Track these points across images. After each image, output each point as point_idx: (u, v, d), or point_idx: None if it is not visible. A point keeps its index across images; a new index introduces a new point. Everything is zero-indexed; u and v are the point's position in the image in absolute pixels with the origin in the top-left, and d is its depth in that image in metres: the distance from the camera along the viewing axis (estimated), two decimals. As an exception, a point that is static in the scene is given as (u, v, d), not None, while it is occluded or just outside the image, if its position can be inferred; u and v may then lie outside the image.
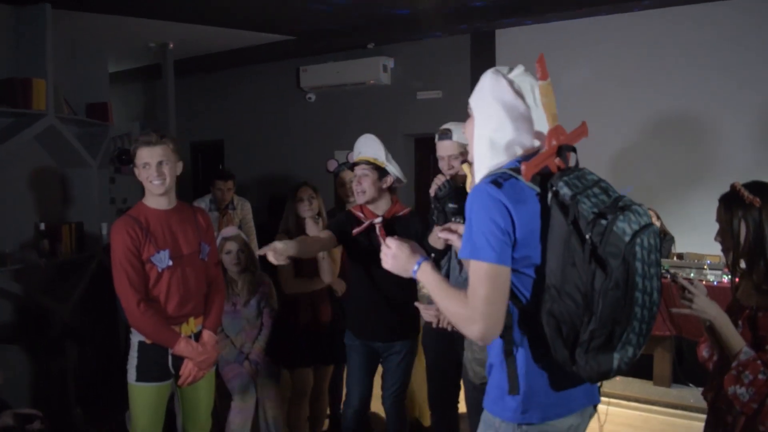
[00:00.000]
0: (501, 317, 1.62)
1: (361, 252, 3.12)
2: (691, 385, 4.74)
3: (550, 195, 1.63)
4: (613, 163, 5.51)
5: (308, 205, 3.59)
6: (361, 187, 3.07)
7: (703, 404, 4.36)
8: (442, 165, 2.99)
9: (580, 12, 5.63)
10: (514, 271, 1.65)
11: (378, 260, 2.91)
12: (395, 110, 7.05)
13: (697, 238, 5.15)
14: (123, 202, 5.89)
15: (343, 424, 3.31)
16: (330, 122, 7.61)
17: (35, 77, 4.19)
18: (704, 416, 4.26)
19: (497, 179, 1.67)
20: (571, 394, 1.74)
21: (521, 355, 1.70)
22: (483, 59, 6.22)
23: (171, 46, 6.99)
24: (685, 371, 4.80)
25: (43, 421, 2.70)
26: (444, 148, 2.99)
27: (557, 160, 1.67)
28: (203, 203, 5.16)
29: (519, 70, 1.79)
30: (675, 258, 4.97)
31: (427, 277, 1.75)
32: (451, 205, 2.72)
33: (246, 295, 3.68)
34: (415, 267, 1.78)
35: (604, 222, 1.53)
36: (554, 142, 1.68)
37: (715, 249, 4.92)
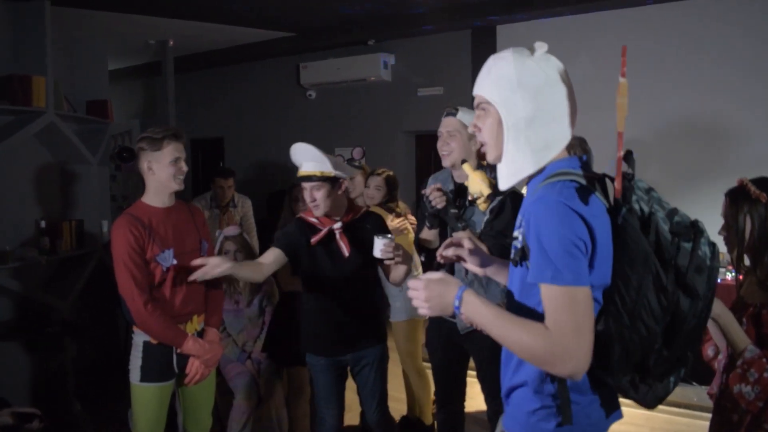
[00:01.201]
0: (591, 347, 1.42)
1: (319, 262, 2.90)
2: (694, 383, 4.72)
3: (624, 211, 1.46)
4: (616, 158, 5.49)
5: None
6: (315, 202, 2.82)
7: (707, 403, 4.38)
8: (440, 143, 2.81)
9: (581, 6, 5.61)
10: None
11: (336, 269, 2.85)
12: (396, 107, 7.03)
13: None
14: (123, 200, 5.88)
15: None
16: (330, 119, 7.59)
17: (35, 74, 4.18)
18: (708, 415, 4.24)
19: (573, 191, 1.47)
20: (612, 418, 1.64)
21: (574, 383, 1.52)
22: (484, 55, 6.05)
23: (171, 43, 7.00)
24: (688, 370, 4.79)
25: (42, 420, 2.68)
26: (444, 124, 2.81)
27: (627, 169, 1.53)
28: (203, 201, 5.15)
29: (543, 48, 1.59)
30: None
31: (475, 309, 1.51)
32: (452, 211, 2.63)
33: (249, 294, 3.68)
34: (456, 303, 1.52)
35: (687, 245, 1.43)
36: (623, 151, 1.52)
37: (723, 246, 4.95)
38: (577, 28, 5.77)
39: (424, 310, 1.56)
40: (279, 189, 7.66)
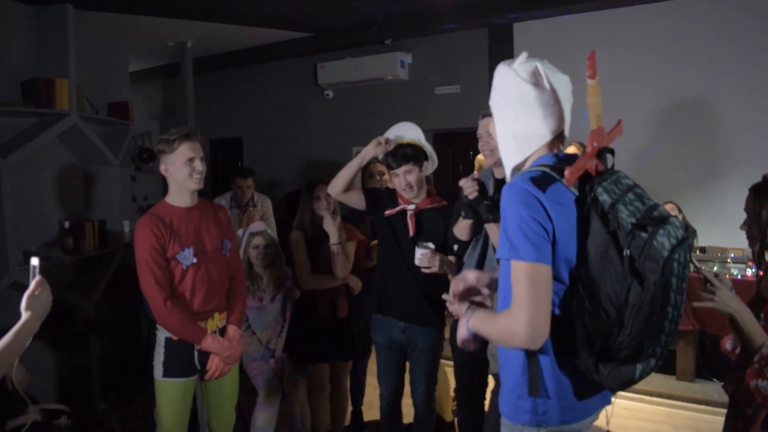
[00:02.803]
0: (547, 318, 1.55)
1: (392, 232, 3.17)
2: (714, 380, 4.71)
3: (588, 201, 1.58)
4: (634, 156, 5.46)
5: (325, 203, 3.60)
6: (408, 184, 3.08)
7: (726, 399, 4.35)
8: (480, 144, 2.92)
9: (597, 4, 5.60)
10: None
11: (402, 245, 3.07)
12: (413, 105, 7.04)
13: (719, 230, 5.10)
14: (144, 200, 5.95)
15: (380, 413, 3.36)
16: (348, 118, 7.62)
17: (58, 77, 4.24)
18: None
19: (535, 176, 1.62)
20: (591, 399, 1.72)
21: (545, 358, 1.65)
22: (501, 53, 6.20)
23: (189, 44, 7.05)
24: (708, 366, 4.77)
25: (70, 416, 2.73)
26: (482, 126, 2.90)
27: (596, 164, 1.61)
28: (223, 201, 5.19)
29: (523, 56, 1.74)
30: (698, 251, 4.93)
31: (475, 320, 1.77)
32: (485, 203, 2.69)
33: (272, 291, 3.70)
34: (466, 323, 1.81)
35: (644, 235, 1.49)
36: (595, 144, 1.62)
37: (738, 242, 4.93)
38: (594, 25, 5.75)
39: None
40: (297, 189, 7.71)
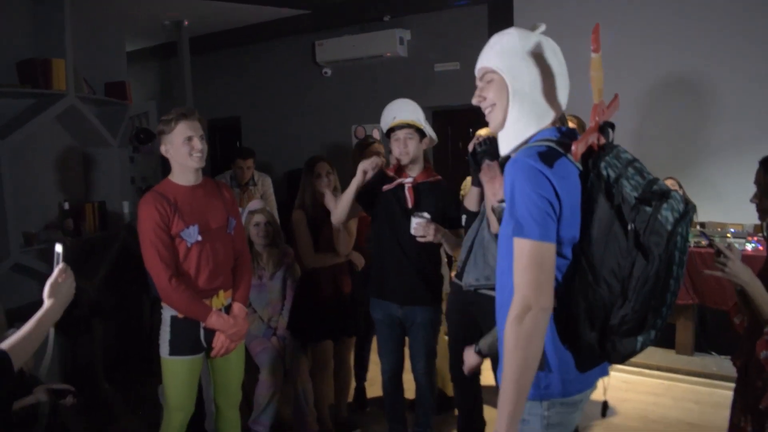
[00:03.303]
0: (551, 296, 1.56)
1: (386, 210, 3.17)
2: (713, 353, 4.74)
3: (592, 176, 1.58)
4: (635, 131, 5.44)
5: (326, 181, 3.60)
6: (407, 149, 3.11)
7: (726, 372, 4.41)
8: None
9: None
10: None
11: (401, 220, 3.07)
12: (413, 83, 6.99)
13: (719, 206, 5.10)
14: (142, 181, 5.94)
15: (382, 387, 3.41)
16: (347, 96, 7.57)
17: (55, 57, 4.21)
18: (726, 384, 4.30)
19: (541, 152, 1.60)
20: (592, 371, 1.74)
21: (546, 333, 1.63)
22: (501, 29, 6.13)
23: (186, 23, 6.98)
24: (707, 340, 4.80)
25: (76, 396, 2.74)
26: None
27: (598, 137, 1.62)
28: (224, 180, 5.18)
29: (541, 28, 1.72)
30: (698, 226, 4.93)
31: (503, 413, 1.58)
32: (488, 162, 2.70)
33: (272, 269, 3.71)
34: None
35: (648, 209, 1.50)
36: (597, 118, 1.62)
37: (737, 217, 4.94)
38: (594, 2, 5.69)
39: None
40: (297, 168, 7.68)
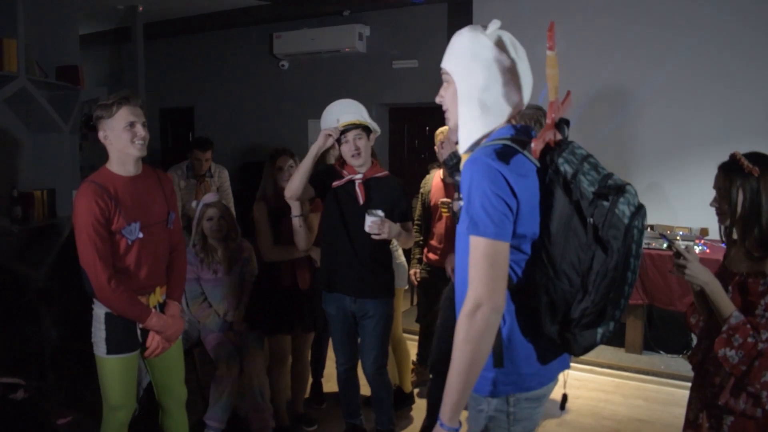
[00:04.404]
0: (503, 295, 1.57)
1: (337, 206, 3.19)
2: (661, 351, 4.89)
3: (550, 172, 1.61)
4: (585, 136, 5.57)
5: (287, 175, 3.56)
6: (358, 150, 3.12)
7: (673, 370, 4.55)
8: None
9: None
10: (511, 247, 1.61)
11: (352, 216, 3.09)
12: (371, 79, 7.00)
13: (666, 209, 5.28)
14: (91, 169, 5.75)
15: (337, 380, 3.41)
16: (304, 90, 7.53)
17: (5, 37, 4.04)
18: (674, 381, 4.44)
19: (498, 150, 1.61)
20: (551, 364, 1.76)
21: (506, 329, 1.68)
22: (460, 28, 6.17)
23: (140, 8, 6.82)
24: (655, 339, 4.95)
25: (27, 390, 2.66)
26: None
27: (555, 134, 1.65)
28: (179, 170, 5.08)
29: (495, 25, 1.70)
30: (648, 229, 5.07)
31: (448, 393, 1.61)
32: (458, 179, 2.72)
33: (227, 263, 3.66)
34: (443, 427, 1.61)
35: (605, 204, 1.54)
36: (554, 115, 1.65)
37: (684, 221, 5.10)
38: (552, 3, 5.79)
39: None
40: (251, 160, 7.59)
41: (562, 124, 1.68)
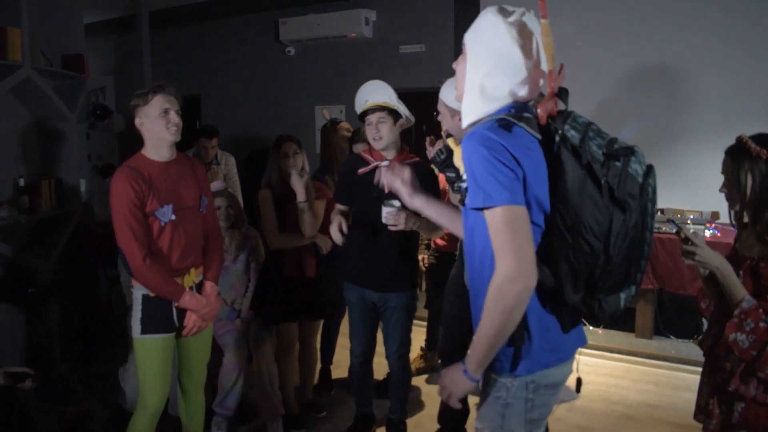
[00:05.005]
0: (533, 264, 1.53)
1: (362, 194, 3.14)
2: (671, 336, 4.86)
3: (557, 139, 1.60)
4: (593, 116, 5.49)
5: (293, 161, 3.54)
6: (379, 134, 3.06)
7: (683, 355, 4.52)
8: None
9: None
10: None
11: (376, 205, 2.98)
12: (377, 64, 6.95)
13: (677, 192, 5.21)
14: (98, 159, 5.76)
15: (350, 372, 3.43)
16: (310, 76, 7.49)
17: (10, 27, 4.02)
18: (684, 366, 4.41)
19: (495, 124, 1.60)
20: (568, 338, 1.74)
21: (530, 302, 1.61)
22: (467, 12, 6.13)
23: (146, -4, 6.78)
24: (665, 323, 4.92)
25: (35, 380, 2.66)
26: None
27: (556, 102, 1.65)
28: None
29: (520, 15, 1.67)
30: (658, 213, 5.02)
31: (474, 355, 1.63)
32: (449, 174, 2.69)
33: (234, 251, 3.66)
34: (464, 369, 1.65)
35: (618, 164, 1.55)
36: (553, 84, 1.64)
37: (694, 204, 5.04)
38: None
39: (453, 402, 1.72)
40: (258, 148, 7.57)
41: (562, 92, 1.67)
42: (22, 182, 4.27)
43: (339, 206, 3.29)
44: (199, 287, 2.89)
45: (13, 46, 4.02)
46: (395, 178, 2.11)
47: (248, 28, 7.85)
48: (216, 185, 3.74)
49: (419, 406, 3.95)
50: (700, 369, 2.27)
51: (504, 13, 1.67)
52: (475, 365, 1.63)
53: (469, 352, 1.63)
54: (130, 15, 7.20)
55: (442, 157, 2.72)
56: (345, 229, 3.07)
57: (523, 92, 1.67)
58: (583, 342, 1.82)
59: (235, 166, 5.32)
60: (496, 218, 1.54)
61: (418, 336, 4.22)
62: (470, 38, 1.73)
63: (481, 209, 1.57)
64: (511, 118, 1.62)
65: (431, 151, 2.83)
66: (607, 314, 1.66)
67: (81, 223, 4.67)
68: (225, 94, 8.21)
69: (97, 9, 7.36)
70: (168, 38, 8.28)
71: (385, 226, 2.96)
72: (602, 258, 1.57)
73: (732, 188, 2.03)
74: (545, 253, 1.61)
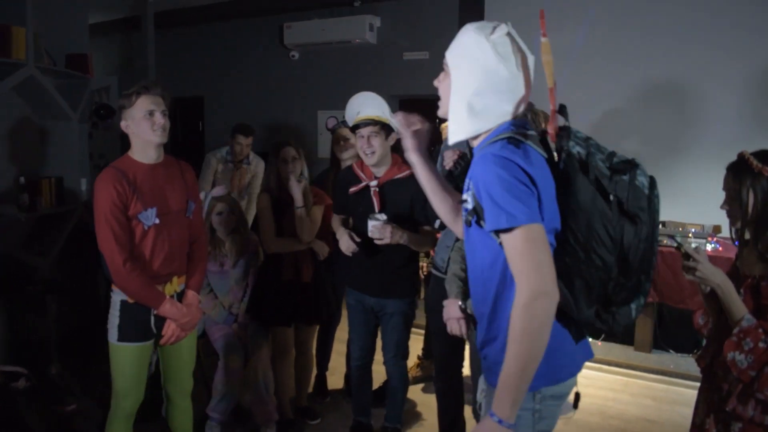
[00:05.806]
0: (555, 281, 1.53)
1: (356, 211, 3.18)
2: (671, 350, 4.84)
3: (564, 156, 1.61)
4: (596, 129, 5.49)
5: (291, 167, 3.53)
6: (371, 148, 3.03)
7: (682, 370, 4.49)
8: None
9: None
10: None
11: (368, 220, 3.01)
12: (381, 70, 6.96)
13: (680, 206, 5.19)
14: (100, 158, 5.76)
15: (348, 377, 3.39)
16: (314, 81, 7.49)
17: (15, 25, 4.02)
18: (683, 381, 4.38)
19: (505, 144, 1.59)
20: (576, 352, 1.74)
21: None
22: (471, 19, 6.06)
23: (151, -3, 6.79)
24: (664, 337, 4.89)
25: (29, 379, 2.65)
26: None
27: (558, 121, 1.66)
28: (220, 154, 5.26)
29: (502, 31, 1.66)
30: (661, 226, 5.00)
31: (503, 396, 1.56)
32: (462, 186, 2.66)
33: (234, 256, 3.65)
34: (495, 419, 1.56)
35: (625, 178, 1.58)
36: (555, 102, 1.66)
37: (696, 217, 5.02)
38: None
39: None
40: (260, 151, 7.56)
41: (564, 110, 1.69)
42: (22, 180, 4.26)
43: (338, 216, 3.35)
44: (180, 296, 2.83)
45: (18, 44, 4.02)
46: (405, 127, 2.07)
47: (253, 32, 7.86)
48: (217, 190, 3.73)
49: (416, 415, 3.93)
50: (698, 384, 2.24)
51: (486, 29, 1.67)
52: (510, 406, 1.55)
53: (497, 395, 1.57)
54: (135, 15, 7.22)
55: (459, 168, 2.66)
56: (357, 237, 3.07)
57: (513, 108, 1.67)
58: (589, 356, 1.82)
59: (264, 172, 5.33)
60: (517, 238, 1.53)
61: (416, 344, 4.19)
62: (453, 56, 1.72)
63: (505, 230, 1.55)
64: (518, 136, 1.62)
65: (449, 164, 2.76)
66: (621, 326, 1.69)
67: (81, 222, 4.66)
68: (228, 97, 8.20)
69: (102, 9, 7.38)
70: (172, 40, 8.29)
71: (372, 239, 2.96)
72: (615, 271, 1.60)
73: (733, 205, 2.01)
74: (558, 270, 1.59)
